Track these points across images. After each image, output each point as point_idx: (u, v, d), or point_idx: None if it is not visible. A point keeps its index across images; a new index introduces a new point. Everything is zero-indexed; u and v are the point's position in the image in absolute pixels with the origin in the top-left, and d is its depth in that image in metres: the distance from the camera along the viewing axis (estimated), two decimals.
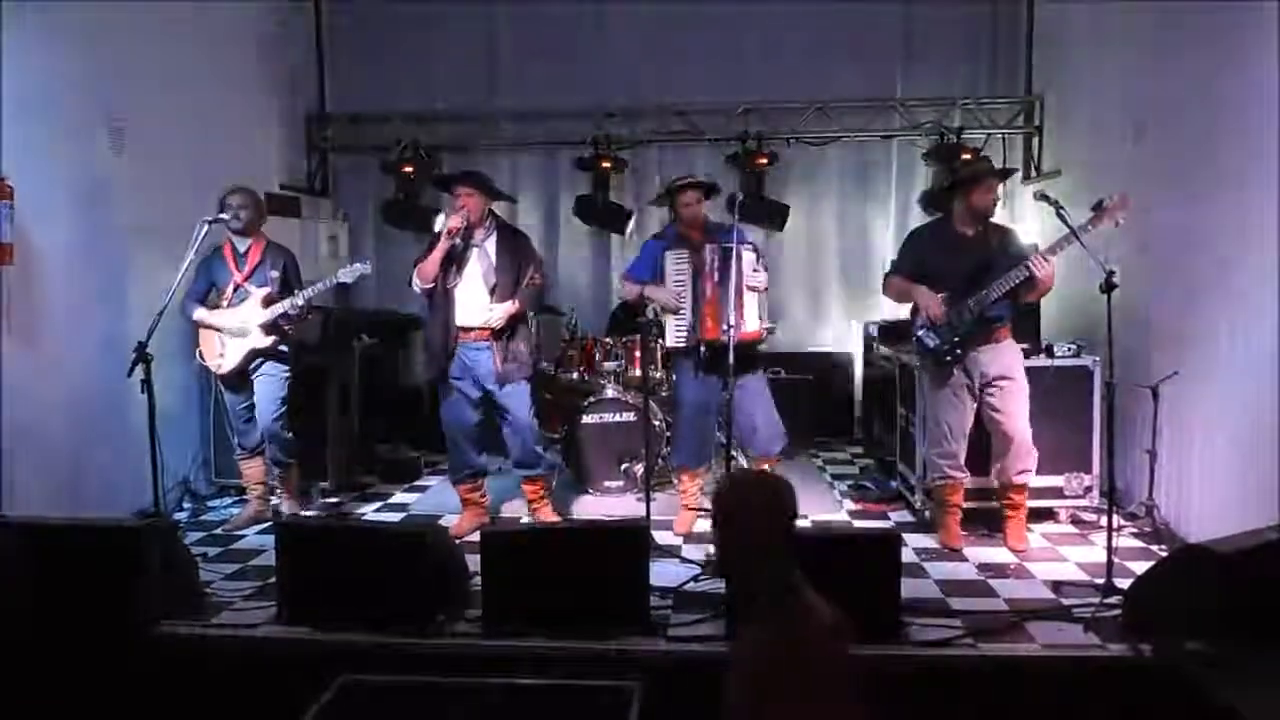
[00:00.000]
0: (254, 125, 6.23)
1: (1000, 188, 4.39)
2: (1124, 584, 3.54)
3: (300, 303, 4.69)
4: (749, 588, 2.09)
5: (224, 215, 4.57)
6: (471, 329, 4.58)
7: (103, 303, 4.75)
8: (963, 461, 4.42)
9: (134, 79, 4.92)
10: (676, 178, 4.83)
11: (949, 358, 4.29)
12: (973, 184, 4.30)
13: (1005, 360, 4.29)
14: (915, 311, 4.41)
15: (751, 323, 4.49)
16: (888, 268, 4.64)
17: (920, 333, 4.36)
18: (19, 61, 4.16)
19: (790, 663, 1.95)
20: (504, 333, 4.60)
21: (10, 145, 4.08)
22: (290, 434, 4.94)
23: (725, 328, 4.20)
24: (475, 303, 4.58)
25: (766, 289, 4.62)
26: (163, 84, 5.14)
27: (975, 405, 4.35)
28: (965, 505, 4.51)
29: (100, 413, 4.67)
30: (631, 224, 6.90)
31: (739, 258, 4.41)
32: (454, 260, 4.56)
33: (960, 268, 4.27)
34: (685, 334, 4.58)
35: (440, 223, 4.56)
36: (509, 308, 4.56)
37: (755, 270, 4.53)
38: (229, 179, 4.85)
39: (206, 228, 4.24)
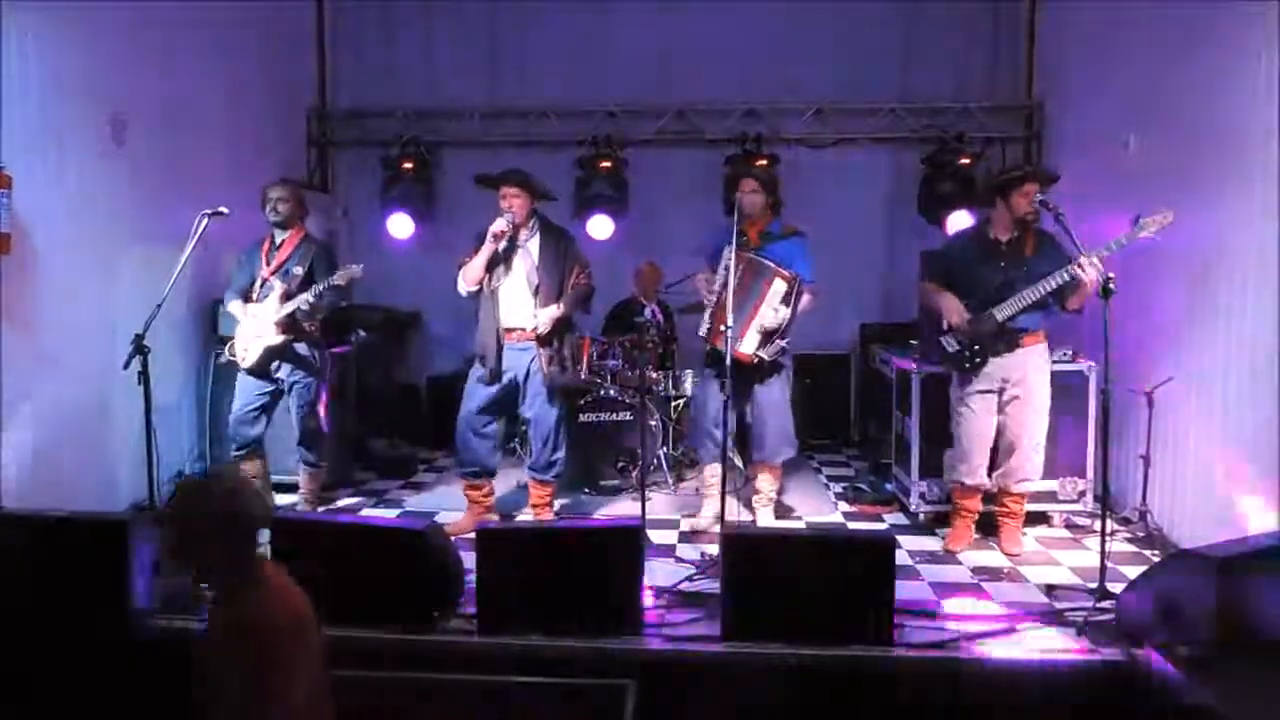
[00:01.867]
0: (255, 120, 6.21)
1: (1036, 192, 4.15)
2: (1117, 588, 3.55)
3: (310, 299, 4.64)
4: (209, 576, 2.32)
5: (264, 209, 4.72)
6: (515, 330, 4.55)
7: (100, 295, 4.73)
8: (979, 467, 4.37)
9: (135, 73, 4.90)
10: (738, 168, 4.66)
11: (967, 365, 4.29)
12: (1009, 188, 4.23)
13: (1023, 369, 4.25)
14: (939, 316, 4.38)
15: (746, 346, 4.36)
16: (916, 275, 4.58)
17: (942, 338, 4.35)
18: (19, 55, 4.15)
19: (254, 643, 2.13)
20: (551, 337, 4.54)
21: (9, 138, 4.07)
22: (324, 436, 4.96)
23: (724, 328, 4.18)
24: (519, 304, 4.54)
25: (782, 329, 4.37)
26: (163, 78, 5.13)
27: (998, 412, 4.33)
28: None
29: (96, 404, 4.67)
30: (612, 224, 6.86)
31: (769, 282, 4.32)
32: (498, 261, 4.53)
33: (991, 275, 4.23)
34: (706, 328, 4.54)
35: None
36: (553, 312, 4.50)
37: (776, 309, 4.32)
38: (229, 174, 4.85)
39: (205, 221, 4.22)
